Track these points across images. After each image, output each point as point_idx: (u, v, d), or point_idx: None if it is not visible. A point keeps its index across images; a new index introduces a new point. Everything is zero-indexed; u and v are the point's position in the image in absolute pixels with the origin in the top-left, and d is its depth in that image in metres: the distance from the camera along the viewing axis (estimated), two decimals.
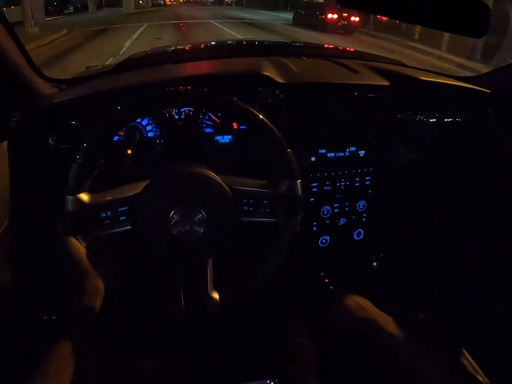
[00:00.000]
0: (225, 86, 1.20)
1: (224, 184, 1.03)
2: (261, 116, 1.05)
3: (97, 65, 1.77)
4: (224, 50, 2.08)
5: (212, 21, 22.86)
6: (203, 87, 1.05)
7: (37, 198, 1.30)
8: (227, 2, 48.99)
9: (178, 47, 2.22)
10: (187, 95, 1.06)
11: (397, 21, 13.41)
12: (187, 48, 2.12)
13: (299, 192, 1.05)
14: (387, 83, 1.45)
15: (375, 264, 1.52)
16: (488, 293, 1.60)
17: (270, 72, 1.36)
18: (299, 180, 1.05)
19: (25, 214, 1.32)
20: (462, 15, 0.99)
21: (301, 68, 1.46)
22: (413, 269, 1.72)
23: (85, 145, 0.99)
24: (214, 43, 2.40)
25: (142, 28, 18.72)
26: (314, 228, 1.46)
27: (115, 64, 1.63)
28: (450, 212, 1.69)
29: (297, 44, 2.47)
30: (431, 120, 1.48)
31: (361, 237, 1.54)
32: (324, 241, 1.49)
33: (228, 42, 2.62)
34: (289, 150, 1.05)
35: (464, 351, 1.35)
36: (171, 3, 58.67)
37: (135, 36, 15.94)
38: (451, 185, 1.63)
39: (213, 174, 1.04)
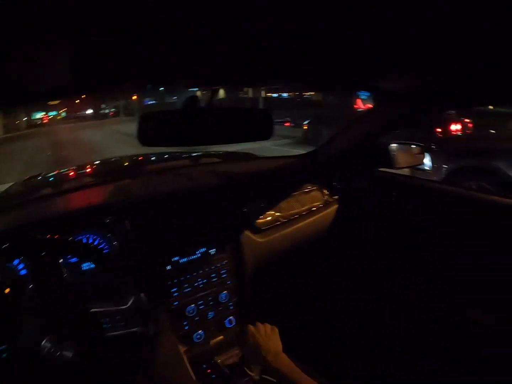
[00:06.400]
0: (80, 222, 1.38)
1: (85, 309, 1.17)
2: (102, 253, 1.22)
3: None
4: (86, 177, 2.27)
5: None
6: (64, 228, 1.25)
7: None
8: (109, 113, 49.41)
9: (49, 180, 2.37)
10: (47, 244, 1.21)
11: None
12: (58, 180, 2.30)
13: (144, 303, 1.21)
14: (222, 185, 1.71)
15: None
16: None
17: (112, 201, 1.54)
18: (143, 294, 1.22)
19: None
20: (256, 126, 1.28)
21: (144, 189, 1.67)
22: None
23: None
24: (74, 172, 2.55)
25: None
26: (186, 328, 1.59)
27: None
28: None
29: (154, 158, 2.69)
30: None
31: (234, 323, 1.70)
32: (198, 336, 1.61)
33: (86, 170, 2.70)
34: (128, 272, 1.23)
35: None
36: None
37: None
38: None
39: (76, 302, 1.18)
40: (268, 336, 1.30)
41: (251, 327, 1.33)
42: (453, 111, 9.97)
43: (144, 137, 1.11)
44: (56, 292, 1.23)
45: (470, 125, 9.62)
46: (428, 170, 5.11)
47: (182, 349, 1.58)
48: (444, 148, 5.68)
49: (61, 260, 1.40)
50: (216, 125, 1.19)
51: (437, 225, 1.80)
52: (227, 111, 1.25)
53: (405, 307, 1.91)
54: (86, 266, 1.45)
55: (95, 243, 1.46)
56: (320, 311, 2.06)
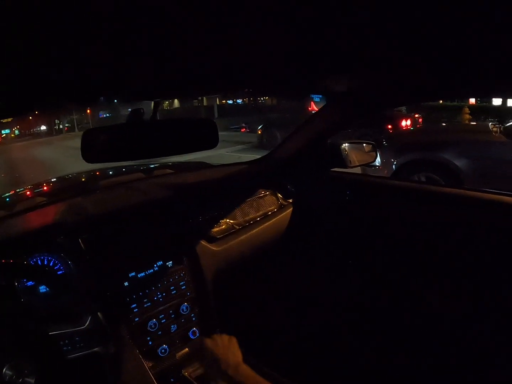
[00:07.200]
0: (33, 244, 1.37)
1: (43, 333, 1.14)
2: (57, 274, 1.20)
3: None
4: (41, 196, 2.22)
5: None
6: (18, 251, 1.25)
7: None
8: (64, 128, 48.44)
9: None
10: (1, 269, 1.18)
11: None
12: (13, 201, 2.28)
13: (103, 322, 1.20)
14: (174, 197, 1.72)
15: None
16: None
17: (64, 220, 1.51)
18: (100, 312, 1.20)
19: None
20: (201, 136, 1.29)
21: (96, 206, 1.65)
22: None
23: None
24: (30, 192, 2.50)
25: None
26: (150, 343, 1.57)
27: None
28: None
29: (111, 172, 2.65)
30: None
31: (197, 334, 1.70)
32: (163, 350, 1.59)
33: (42, 188, 2.62)
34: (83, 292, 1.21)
35: None
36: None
37: None
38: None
39: (34, 326, 1.14)
40: (226, 348, 1.26)
41: (207, 341, 1.29)
42: (403, 108, 10.36)
43: (88, 154, 1.10)
44: (14, 317, 1.20)
45: (420, 119, 10.04)
46: (377, 166, 5.22)
47: (147, 365, 1.56)
48: (394, 143, 5.82)
49: (17, 284, 1.36)
50: (161, 137, 1.19)
51: (392, 221, 1.85)
52: (171, 123, 1.26)
53: (367, 309, 1.95)
54: (43, 288, 1.42)
55: (50, 264, 1.43)
56: (281, 315, 2.08)
